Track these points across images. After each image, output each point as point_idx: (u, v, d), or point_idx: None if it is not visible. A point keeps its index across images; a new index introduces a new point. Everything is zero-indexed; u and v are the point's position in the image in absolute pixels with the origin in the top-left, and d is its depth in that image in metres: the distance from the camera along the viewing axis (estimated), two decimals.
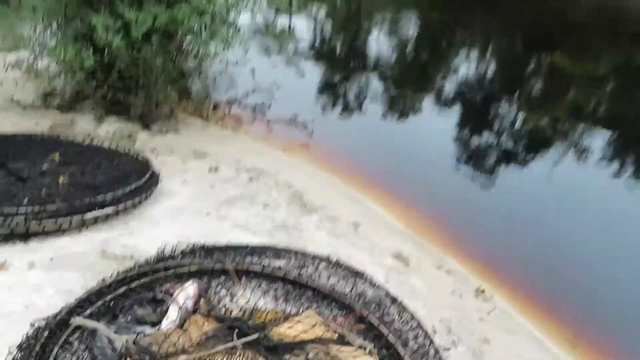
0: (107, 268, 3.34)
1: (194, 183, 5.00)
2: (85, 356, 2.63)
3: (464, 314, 3.97)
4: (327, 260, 4.04)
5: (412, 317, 3.56)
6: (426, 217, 5.83)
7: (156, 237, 3.82)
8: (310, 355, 2.63)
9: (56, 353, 2.58)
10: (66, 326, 2.74)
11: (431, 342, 3.38)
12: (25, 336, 2.67)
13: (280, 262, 3.88)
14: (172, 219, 4.21)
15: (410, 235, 5.28)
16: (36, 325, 2.75)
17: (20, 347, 2.61)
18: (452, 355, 3.43)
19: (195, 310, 2.84)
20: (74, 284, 3.14)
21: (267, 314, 2.93)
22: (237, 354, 2.45)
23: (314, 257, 4.06)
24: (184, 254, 3.71)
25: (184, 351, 2.47)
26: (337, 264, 4.03)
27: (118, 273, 3.24)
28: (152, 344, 2.51)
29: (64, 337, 2.68)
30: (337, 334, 2.98)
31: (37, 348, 2.56)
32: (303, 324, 2.85)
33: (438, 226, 5.68)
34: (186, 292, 2.85)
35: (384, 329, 3.26)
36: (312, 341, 2.75)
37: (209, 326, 2.67)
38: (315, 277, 3.76)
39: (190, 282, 2.97)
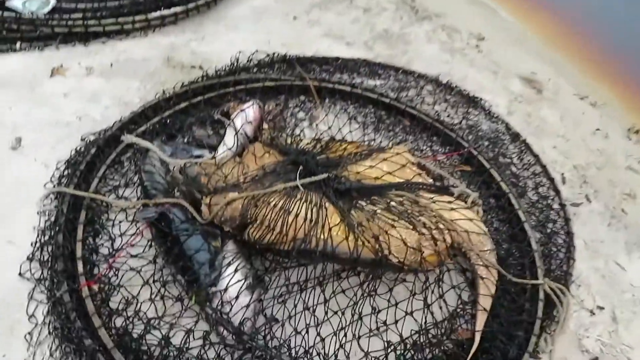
0: (171, 78, 2.93)
1: None
2: (135, 179, 2.32)
3: (607, 160, 3.09)
4: (436, 81, 3.32)
5: (537, 161, 2.86)
6: (573, 32, 4.57)
7: (231, 44, 3.28)
8: (392, 203, 2.05)
9: (103, 172, 2.29)
10: (117, 143, 2.42)
11: (557, 193, 2.69)
12: (74, 151, 2.40)
13: (375, 82, 3.21)
14: (252, 23, 3.57)
15: (549, 54, 4.16)
16: (86, 140, 2.46)
17: (68, 163, 2.35)
18: (582, 212, 2.70)
19: (256, 138, 2.33)
20: (133, 95, 2.76)
21: (346, 147, 2.33)
22: (298, 196, 1.95)
23: (419, 77, 3.34)
24: (260, 66, 3.16)
25: (235, 186, 2.03)
26: (448, 87, 3.30)
27: (182, 85, 2.81)
28: (201, 174, 2.08)
29: (112, 155, 2.36)
30: (432, 179, 2.37)
31: (83, 166, 2.27)
32: (389, 163, 2.24)
33: (588, 44, 4.44)
34: (245, 115, 2.32)
35: (495, 174, 2.60)
36: (397, 185, 2.16)
37: (270, 158, 2.17)
38: (417, 102, 3.10)
39: (250, 102, 2.42)
